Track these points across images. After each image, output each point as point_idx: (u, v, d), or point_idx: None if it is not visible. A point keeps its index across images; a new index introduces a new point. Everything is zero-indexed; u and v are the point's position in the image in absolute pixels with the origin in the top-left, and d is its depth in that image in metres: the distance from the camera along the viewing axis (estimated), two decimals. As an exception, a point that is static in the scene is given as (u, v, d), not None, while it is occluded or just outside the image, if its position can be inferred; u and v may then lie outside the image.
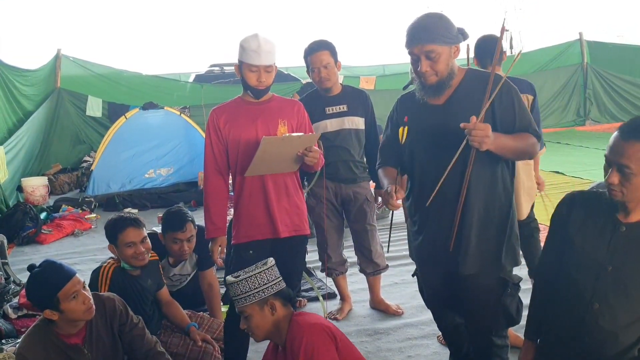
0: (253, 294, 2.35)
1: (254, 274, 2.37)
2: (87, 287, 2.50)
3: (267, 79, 2.86)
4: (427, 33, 2.25)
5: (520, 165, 3.20)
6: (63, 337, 2.47)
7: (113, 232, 3.02)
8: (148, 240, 3.10)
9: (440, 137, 2.32)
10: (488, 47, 3.33)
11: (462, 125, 2.15)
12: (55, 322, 2.43)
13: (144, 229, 3.09)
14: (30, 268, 2.47)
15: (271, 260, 2.47)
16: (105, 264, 3.06)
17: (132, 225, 3.01)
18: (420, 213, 2.48)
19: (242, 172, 2.92)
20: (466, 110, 2.24)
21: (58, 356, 2.45)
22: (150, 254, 3.10)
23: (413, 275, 2.77)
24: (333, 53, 3.60)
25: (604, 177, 1.85)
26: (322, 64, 3.56)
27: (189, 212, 3.59)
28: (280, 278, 2.46)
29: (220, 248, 2.98)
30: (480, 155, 2.24)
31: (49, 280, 2.39)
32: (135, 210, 7.31)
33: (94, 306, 2.47)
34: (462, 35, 2.34)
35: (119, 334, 2.63)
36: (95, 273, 3.04)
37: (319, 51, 3.58)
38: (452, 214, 2.34)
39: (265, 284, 2.38)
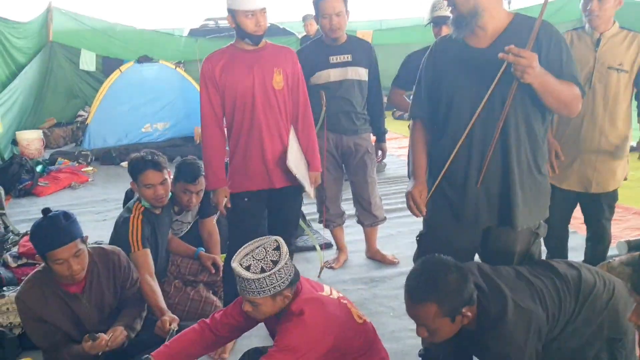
0: (269, 289, 2.11)
1: (273, 272, 2.10)
2: (84, 253, 2.43)
3: (265, 22, 2.83)
4: None
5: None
6: (63, 285, 2.48)
7: (134, 171, 3.07)
8: (168, 182, 3.12)
9: (483, 80, 2.17)
10: None
11: (506, 48, 2.00)
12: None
13: (165, 170, 3.09)
14: (44, 212, 2.43)
15: (285, 252, 2.18)
16: (132, 213, 3.01)
17: (151, 168, 3.02)
18: (456, 165, 2.30)
19: (238, 122, 2.93)
20: None
21: (56, 303, 2.47)
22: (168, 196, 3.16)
23: (418, 241, 2.55)
24: (345, 1, 3.51)
25: None
26: (335, 11, 3.47)
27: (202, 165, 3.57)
28: (293, 266, 2.23)
29: (225, 199, 2.99)
30: (522, 95, 2.13)
31: (43, 237, 2.37)
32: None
33: (81, 273, 2.44)
34: None
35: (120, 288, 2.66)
36: (125, 226, 2.96)
37: None
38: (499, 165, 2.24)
39: (282, 278, 2.13)
